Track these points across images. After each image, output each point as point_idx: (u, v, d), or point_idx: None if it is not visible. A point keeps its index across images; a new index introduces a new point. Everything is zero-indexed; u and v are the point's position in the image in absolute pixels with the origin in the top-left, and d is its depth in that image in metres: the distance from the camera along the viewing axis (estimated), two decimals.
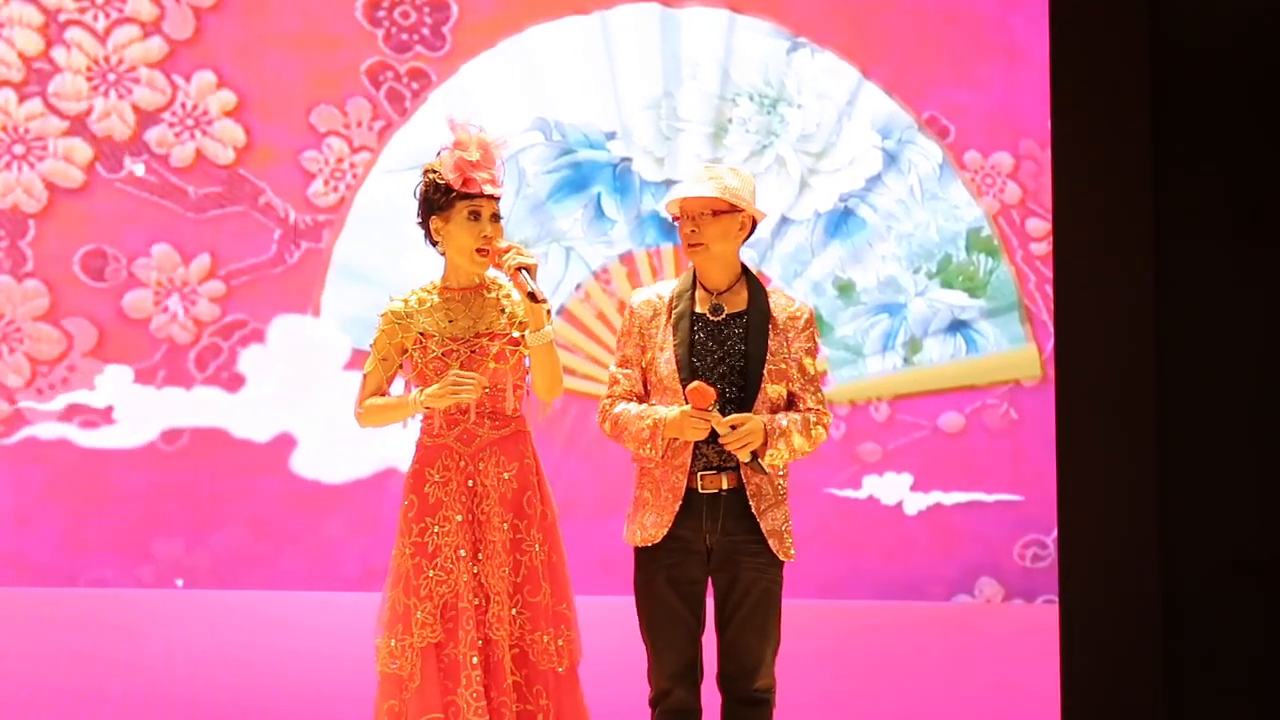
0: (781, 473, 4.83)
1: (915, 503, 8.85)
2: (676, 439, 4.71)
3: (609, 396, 4.85)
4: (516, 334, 4.80)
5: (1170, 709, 4.46)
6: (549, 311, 4.73)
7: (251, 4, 8.78)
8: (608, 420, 4.82)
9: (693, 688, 4.82)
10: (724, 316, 4.82)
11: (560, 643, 4.77)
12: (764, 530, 4.77)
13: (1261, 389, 4.49)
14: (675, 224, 4.88)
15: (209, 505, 8.73)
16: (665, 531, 4.76)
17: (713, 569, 4.80)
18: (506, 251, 4.73)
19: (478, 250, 4.77)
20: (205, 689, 7.04)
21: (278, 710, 6.74)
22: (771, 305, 4.83)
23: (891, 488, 8.86)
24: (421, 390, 4.76)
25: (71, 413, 8.71)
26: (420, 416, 4.84)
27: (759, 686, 4.81)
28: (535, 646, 4.76)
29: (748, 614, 4.80)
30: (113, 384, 8.75)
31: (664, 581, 4.79)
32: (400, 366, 4.84)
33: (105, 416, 8.73)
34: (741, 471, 4.75)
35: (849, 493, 8.85)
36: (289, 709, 6.74)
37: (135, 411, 8.76)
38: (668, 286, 4.89)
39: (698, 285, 4.86)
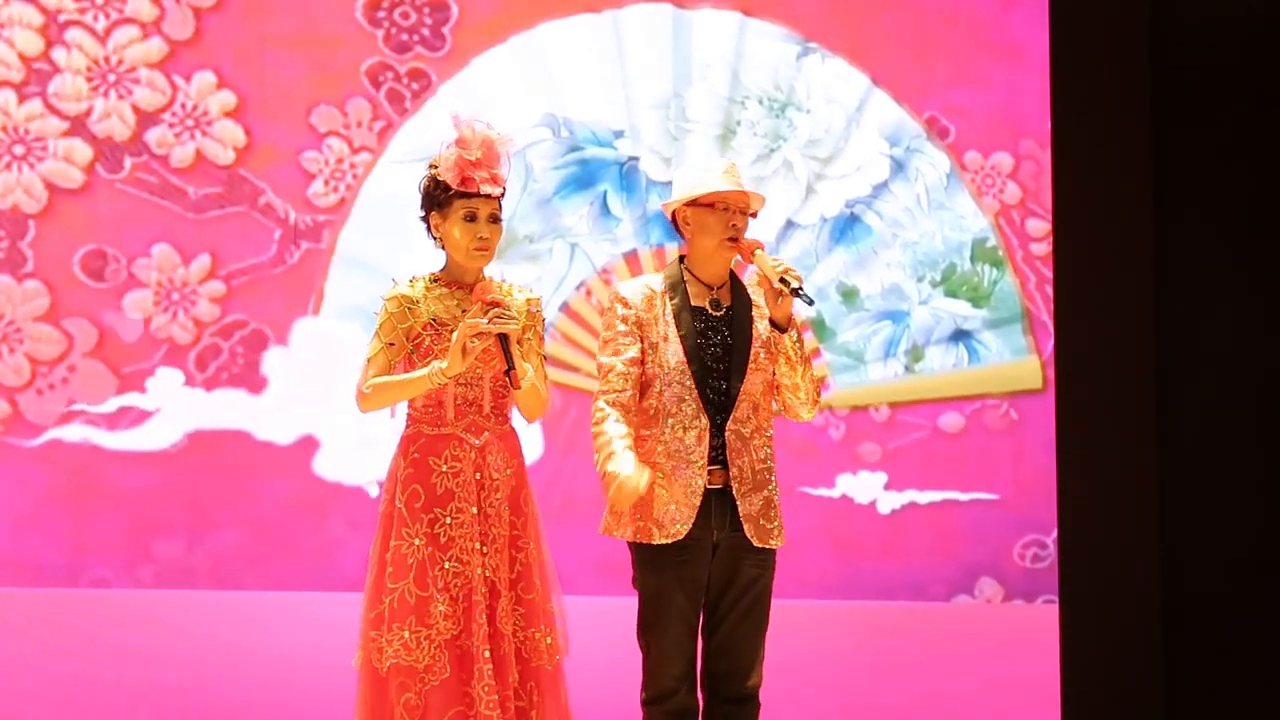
0: (760, 459, 4.82)
1: (917, 502, 8.83)
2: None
3: (604, 393, 4.80)
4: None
5: (1170, 709, 4.46)
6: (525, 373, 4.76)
7: (251, 4, 8.77)
8: (597, 428, 4.77)
9: (693, 689, 4.82)
10: (723, 311, 4.87)
11: (549, 640, 4.79)
12: (740, 515, 4.77)
13: (1261, 388, 4.49)
14: (709, 208, 4.85)
15: (228, 506, 8.70)
16: (688, 529, 4.75)
17: (714, 566, 4.80)
18: (495, 304, 4.71)
19: (474, 249, 4.77)
20: (207, 689, 7.04)
21: (279, 709, 6.74)
22: (752, 297, 4.91)
23: (893, 487, 8.85)
24: (437, 361, 4.70)
25: (73, 415, 8.69)
26: (409, 410, 4.84)
27: (752, 685, 4.81)
28: (529, 643, 4.77)
29: (745, 611, 4.80)
30: (162, 387, 8.73)
31: (673, 580, 4.78)
32: (409, 351, 4.79)
33: (110, 420, 8.71)
34: (728, 463, 4.77)
35: (850, 493, 8.83)
36: (289, 708, 6.74)
37: (163, 413, 8.73)
38: (655, 278, 4.91)
39: (691, 279, 4.88)
